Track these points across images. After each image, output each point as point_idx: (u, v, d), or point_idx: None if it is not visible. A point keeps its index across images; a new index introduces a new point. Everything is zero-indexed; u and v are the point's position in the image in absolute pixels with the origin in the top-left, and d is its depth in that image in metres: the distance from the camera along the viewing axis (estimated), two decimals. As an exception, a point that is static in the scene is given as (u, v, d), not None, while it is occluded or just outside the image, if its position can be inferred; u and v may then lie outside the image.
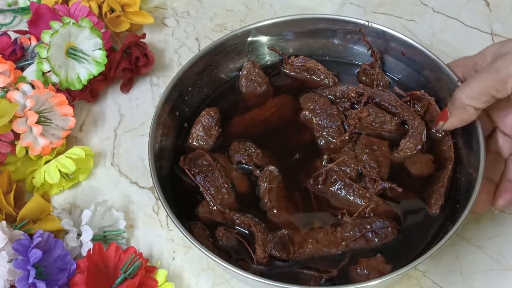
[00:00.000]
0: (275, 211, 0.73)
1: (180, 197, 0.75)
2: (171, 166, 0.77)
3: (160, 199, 0.70)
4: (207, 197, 0.74)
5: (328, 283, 0.68)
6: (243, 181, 0.76)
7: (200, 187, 0.75)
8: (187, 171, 0.75)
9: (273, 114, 0.82)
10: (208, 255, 0.66)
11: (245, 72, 0.83)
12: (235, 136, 0.79)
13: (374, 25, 0.81)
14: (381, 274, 0.67)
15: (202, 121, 0.79)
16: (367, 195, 0.73)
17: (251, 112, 0.82)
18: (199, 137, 0.79)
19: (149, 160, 0.72)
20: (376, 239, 0.70)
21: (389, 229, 0.71)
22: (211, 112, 0.80)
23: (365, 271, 0.68)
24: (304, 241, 0.71)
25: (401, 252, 0.70)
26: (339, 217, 0.72)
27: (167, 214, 0.69)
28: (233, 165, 0.77)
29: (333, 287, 0.68)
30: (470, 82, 0.70)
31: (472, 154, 0.73)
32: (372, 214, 0.71)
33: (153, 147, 0.73)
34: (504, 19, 0.96)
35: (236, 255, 0.71)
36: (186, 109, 0.81)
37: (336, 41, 0.85)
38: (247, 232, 0.72)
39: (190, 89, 0.81)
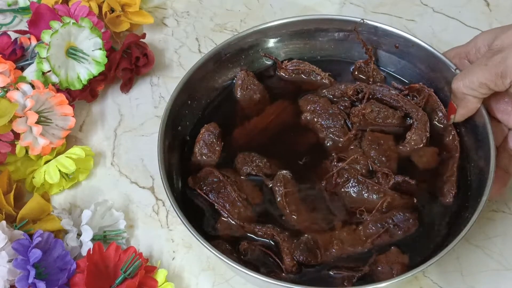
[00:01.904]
0: (294, 216, 0.72)
1: (196, 216, 0.73)
2: (182, 186, 0.75)
3: (183, 223, 0.67)
4: (224, 213, 0.72)
5: (358, 283, 0.67)
6: (255, 191, 0.75)
7: (215, 204, 0.73)
8: (199, 191, 0.74)
9: (273, 120, 0.81)
10: (250, 274, 0.64)
11: (239, 82, 0.82)
12: (239, 148, 0.78)
13: (368, 22, 0.81)
14: (403, 265, 0.67)
15: (204, 138, 0.77)
16: (381, 190, 0.73)
17: (251, 121, 0.81)
18: (203, 154, 0.77)
19: (163, 184, 0.70)
20: (399, 232, 0.70)
21: (411, 220, 0.70)
22: (211, 128, 0.78)
23: (388, 267, 0.67)
24: (329, 243, 0.70)
25: (419, 243, 0.70)
26: (358, 215, 0.72)
27: (196, 238, 0.66)
28: (243, 177, 0.75)
29: None
30: (467, 74, 0.70)
31: (479, 144, 0.73)
32: (388, 209, 0.71)
33: (165, 167, 0.71)
34: (504, 19, 0.96)
35: (264, 267, 0.69)
36: (187, 122, 0.80)
37: (327, 40, 0.84)
38: (270, 242, 0.71)
39: (189, 101, 0.79)
